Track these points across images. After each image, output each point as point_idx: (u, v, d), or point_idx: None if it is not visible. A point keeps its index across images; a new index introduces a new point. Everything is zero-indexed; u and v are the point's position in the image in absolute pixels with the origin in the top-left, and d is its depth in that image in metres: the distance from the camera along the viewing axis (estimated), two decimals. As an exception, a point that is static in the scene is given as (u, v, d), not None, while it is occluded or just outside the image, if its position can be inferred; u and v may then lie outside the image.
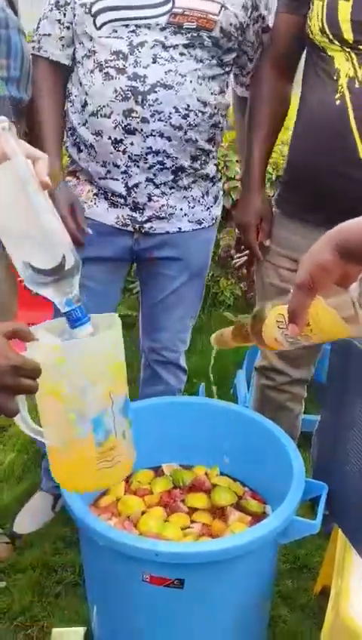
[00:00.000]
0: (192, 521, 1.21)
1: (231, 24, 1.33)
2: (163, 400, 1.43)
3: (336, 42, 1.21)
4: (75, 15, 1.32)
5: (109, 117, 1.30)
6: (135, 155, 1.33)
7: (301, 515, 1.06)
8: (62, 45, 1.36)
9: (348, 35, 1.19)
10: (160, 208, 1.40)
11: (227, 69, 1.41)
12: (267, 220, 1.47)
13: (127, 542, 0.97)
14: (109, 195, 1.40)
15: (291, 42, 1.35)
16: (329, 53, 1.24)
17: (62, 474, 0.81)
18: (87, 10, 1.28)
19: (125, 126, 1.30)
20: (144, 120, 1.29)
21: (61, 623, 1.36)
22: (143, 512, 1.23)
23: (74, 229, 1.38)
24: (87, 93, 1.32)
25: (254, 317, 0.77)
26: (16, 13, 1.24)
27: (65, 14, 1.34)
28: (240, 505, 1.26)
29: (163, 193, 1.39)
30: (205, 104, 1.34)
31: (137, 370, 1.75)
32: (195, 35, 1.29)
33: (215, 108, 1.38)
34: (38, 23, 1.38)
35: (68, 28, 1.35)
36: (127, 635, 1.14)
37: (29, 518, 1.67)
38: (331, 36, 1.21)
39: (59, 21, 1.35)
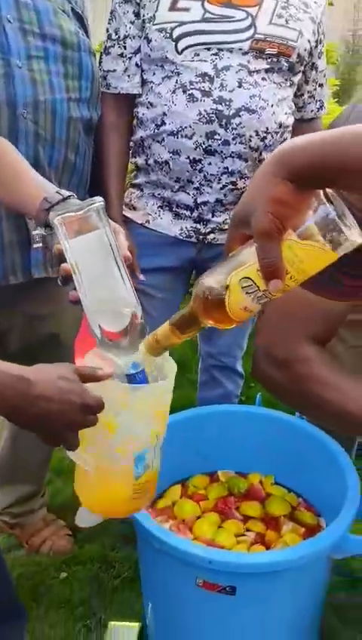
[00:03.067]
0: (246, 529, 1.24)
1: (305, 49, 1.38)
2: (221, 408, 1.46)
3: None
4: (149, 40, 1.34)
5: (191, 138, 1.33)
6: (211, 174, 1.36)
7: (358, 530, 1.06)
8: (129, 76, 1.40)
9: None
10: (223, 222, 1.43)
11: (293, 90, 1.43)
12: None
13: (182, 548, 1.01)
14: (174, 207, 1.44)
15: None
16: None
17: (92, 498, 0.84)
18: (166, 35, 1.31)
19: (206, 147, 1.33)
20: (225, 142, 1.33)
21: (117, 616, 1.42)
22: (198, 517, 1.26)
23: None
24: (165, 114, 1.35)
25: (205, 299, 0.66)
26: (87, 33, 1.29)
27: (125, 47, 1.38)
28: (294, 516, 1.27)
29: (226, 210, 1.42)
30: (280, 125, 1.38)
31: (194, 372, 1.79)
32: (275, 60, 1.33)
33: (286, 128, 1.41)
34: (100, 57, 1.42)
35: (130, 58, 1.39)
36: (180, 634, 1.18)
37: (90, 513, 1.74)
38: None
39: (121, 55, 1.39)
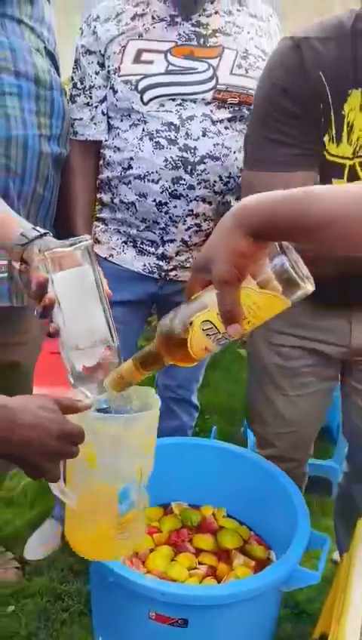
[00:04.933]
0: (199, 562, 1.26)
1: None
2: (176, 440, 1.49)
3: None
4: (115, 91, 1.39)
5: (157, 182, 1.38)
6: (176, 216, 1.41)
7: (305, 561, 1.10)
8: (95, 124, 1.44)
9: None
10: (185, 260, 1.48)
11: None
12: None
13: (135, 580, 1.02)
14: (139, 243, 1.48)
15: None
16: None
17: (78, 539, 0.82)
18: (132, 87, 1.36)
19: (172, 191, 1.39)
20: (190, 187, 1.38)
21: (65, 651, 1.40)
22: (151, 550, 1.28)
23: None
24: (132, 158, 1.40)
25: (169, 339, 0.71)
26: (58, 71, 1.34)
27: (91, 96, 1.43)
28: (245, 549, 1.30)
29: (190, 250, 1.47)
30: (241, 170, 1.44)
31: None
32: (237, 109, 1.39)
33: None
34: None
35: (96, 107, 1.43)
36: (130, 669, 1.18)
37: (39, 545, 1.72)
38: None
39: (87, 104, 1.43)
